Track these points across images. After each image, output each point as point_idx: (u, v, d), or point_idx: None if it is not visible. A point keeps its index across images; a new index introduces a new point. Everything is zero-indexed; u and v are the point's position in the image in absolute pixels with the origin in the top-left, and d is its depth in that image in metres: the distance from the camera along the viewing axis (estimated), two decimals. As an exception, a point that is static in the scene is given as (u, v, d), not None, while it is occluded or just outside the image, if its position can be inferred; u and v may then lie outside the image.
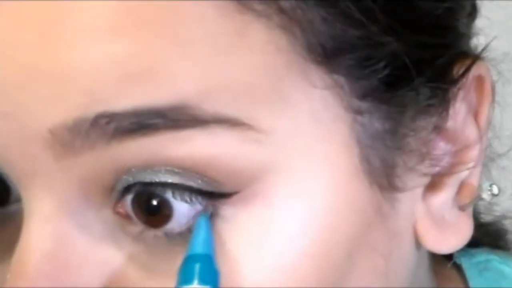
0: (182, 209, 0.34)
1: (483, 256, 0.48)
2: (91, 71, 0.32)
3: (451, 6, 0.38)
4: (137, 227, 0.35)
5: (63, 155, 0.34)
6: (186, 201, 0.34)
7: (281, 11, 0.34)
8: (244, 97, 0.34)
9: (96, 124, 0.33)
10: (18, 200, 0.36)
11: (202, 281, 0.33)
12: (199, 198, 0.34)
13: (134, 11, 0.32)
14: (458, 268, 0.47)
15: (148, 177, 0.34)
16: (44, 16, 0.32)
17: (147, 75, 0.32)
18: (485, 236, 0.50)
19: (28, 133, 0.33)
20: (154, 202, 0.34)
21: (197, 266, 0.33)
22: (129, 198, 0.35)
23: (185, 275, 0.33)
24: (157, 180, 0.34)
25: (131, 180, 0.34)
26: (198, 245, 0.34)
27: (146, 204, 0.35)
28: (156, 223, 0.35)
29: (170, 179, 0.34)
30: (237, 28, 0.33)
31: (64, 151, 0.33)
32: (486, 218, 0.50)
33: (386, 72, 0.35)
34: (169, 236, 0.35)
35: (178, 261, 0.34)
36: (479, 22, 0.43)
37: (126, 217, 0.35)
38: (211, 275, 0.33)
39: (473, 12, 0.42)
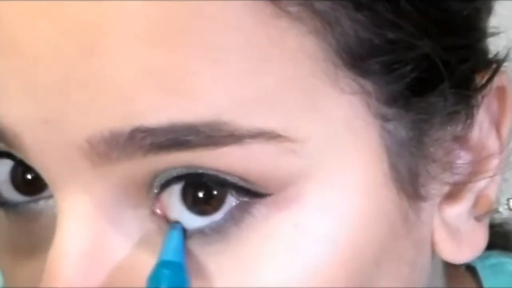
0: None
1: (495, 258, 0.48)
2: (125, 82, 0.32)
3: (479, 6, 0.38)
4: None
5: (100, 164, 0.33)
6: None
7: (315, 13, 0.33)
8: (278, 108, 0.33)
9: (133, 138, 0.32)
10: (50, 196, 0.36)
11: (170, 285, 0.33)
12: (234, 192, 0.34)
13: (172, 20, 0.32)
14: (471, 270, 0.47)
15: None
16: (84, 25, 0.32)
17: (183, 86, 0.32)
18: (495, 237, 0.50)
19: (66, 141, 0.33)
20: (200, 194, 0.34)
21: (166, 272, 0.33)
22: (176, 187, 0.34)
23: (154, 280, 0.33)
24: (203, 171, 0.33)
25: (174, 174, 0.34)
26: (169, 252, 0.34)
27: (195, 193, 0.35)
28: (206, 211, 0.35)
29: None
30: (271, 36, 0.33)
31: (101, 160, 0.33)
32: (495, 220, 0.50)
33: (413, 75, 0.35)
34: (201, 233, 0.34)
35: (209, 258, 0.34)
36: (499, 23, 0.43)
37: (163, 217, 0.35)
38: (180, 282, 0.33)
39: (489, 7, 0.42)
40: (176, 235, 0.34)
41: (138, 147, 0.33)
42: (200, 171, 0.34)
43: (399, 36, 0.34)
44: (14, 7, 0.33)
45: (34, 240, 0.37)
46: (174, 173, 0.34)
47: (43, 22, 0.32)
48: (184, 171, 0.34)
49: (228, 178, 0.34)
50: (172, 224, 0.34)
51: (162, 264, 0.33)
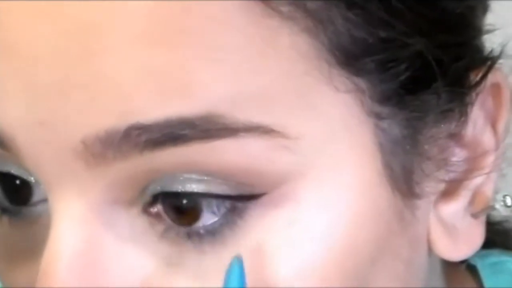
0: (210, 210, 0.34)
1: (496, 257, 0.48)
2: (125, 81, 0.32)
3: (473, 4, 0.38)
4: (164, 225, 0.35)
5: (95, 165, 0.33)
6: (213, 211, 0.34)
7: (307, 12, 0.33)
8: (273, 104, 0.34)
9: (128, 136, 0.33)
10: (42, 200, 0.36)
11: None
12: (226, 203, 0.34)
13: (171, 20, 0.32)
14: (472, 269, 0.47)
15: (175, 187, 0.34)
16: (83, 25, 0.32)
17: (180, 85, 0.32)
18: (494, 235, 0.50)
19: (61, 142, 0.33)
20: (184, 201, 0.34)
21: None
22: (158, 200, 0.35)
23: None
24: (183, 190, 0.34)
25: (159, 189, 0.34)
26: (233, 281, 0.33)
27: (176, 202, 0.35)
28: (186, 221, 0.35)
29: (196, 188, 0.34)
30: (264, 35, 0.33)
31: (96, 161, 0.33)
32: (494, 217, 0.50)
33: (407, 74, 0.35)
34: (189, 234, 0.35)
35: (204, 258, 0.34)
36: (494, 20, 0.43)
37: (156, 215, 0.35)
38: None
39: (485, 5, 0.42)
40: (237, 264, 0.34)
41: (134, 144, 0.33)
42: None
43: (392, 35, 0.34)
44: (14, 7, 0.33)
45: (30, 242, 0.37)
46: (160, 189, 0.34)
47: (42, 23, 0.32)
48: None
49: (219, 191, 0.34)
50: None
51: None
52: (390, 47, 0.35)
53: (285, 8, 0.33)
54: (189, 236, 0.35)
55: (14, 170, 0.37)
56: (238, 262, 0.34)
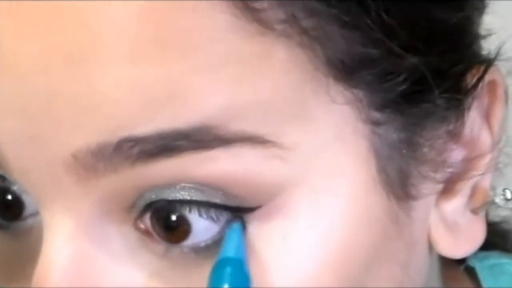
0: (203, 224, 0.34)
1: (494, 258, 0.48)
2: (114, 97, 0.32)
3: (468, 14, 0.38)
4: (160, 244, 0.35)
5: (86, 178, 0.33)
6: (212, 218, 0.34)
7: (302, 30, 0.33)
8: (267, 115, 0.33)
9: (120, 148, 0.32)
10: (33, 214, 0.36)
11: (232, 284, 0.33)
12: (224, 213, 0.34)
13: (155, 37, 0.32)
14: (471, 271, 0.47)
15: (172, 195, 0.34)
16: (69, 43, 0.32)
17: (171, 98, 0.32)
18: (493, 236, 0.50)
19: (51, 157, 0.33)
20: (173, 218, 0.34)
21: (228, 270, 0.33)
22: (148, 213, 0.35)
23: (215, 279, 0.33)
24: (181, 198, 0.34)
25: (154, 197, 0.34)
26: (230, 250, 0.34)
27: (164, 219, 0.34)
28: (175, 238, 0.35)
29: (194, 196, 0.34)
30: (258, 50, 0.33)
31: (87, 174, 0.33)
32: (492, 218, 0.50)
33: (405, 85, 0.35)
34: (195, 250, 0.34)
35: (205, 274, 0.34)
36: (492, 22, 0.42)
37: (147, 233, 0.35)
38: (242, 279, 0.33)
39: (482, 8, 0.41)
40: (235, 231, 0.34)
41: (126, 157, 0.33)
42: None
43: (386, 51, 0.34)
44: (1, 22, 0.33)
45: (22, 256, 0.37)
46: (155, 197, 0.34)
47: (30, 38, 0.32)
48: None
49: (216, 200, 0.34)
50: (232, 221, 0.34)
51: (223, 262, 0.33)
52: (388, 60, 0.35)
53: (279, 27, 0.33)
54: (187, 253, 0.34)
55: (8, 176, 0.36)
56: (236, 228, 0.34)
